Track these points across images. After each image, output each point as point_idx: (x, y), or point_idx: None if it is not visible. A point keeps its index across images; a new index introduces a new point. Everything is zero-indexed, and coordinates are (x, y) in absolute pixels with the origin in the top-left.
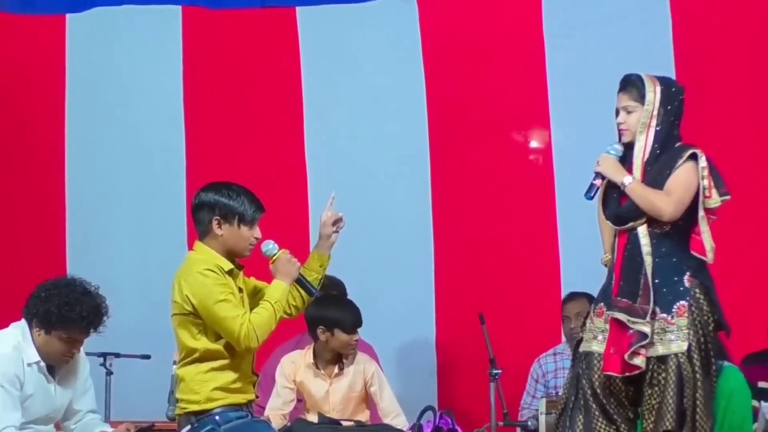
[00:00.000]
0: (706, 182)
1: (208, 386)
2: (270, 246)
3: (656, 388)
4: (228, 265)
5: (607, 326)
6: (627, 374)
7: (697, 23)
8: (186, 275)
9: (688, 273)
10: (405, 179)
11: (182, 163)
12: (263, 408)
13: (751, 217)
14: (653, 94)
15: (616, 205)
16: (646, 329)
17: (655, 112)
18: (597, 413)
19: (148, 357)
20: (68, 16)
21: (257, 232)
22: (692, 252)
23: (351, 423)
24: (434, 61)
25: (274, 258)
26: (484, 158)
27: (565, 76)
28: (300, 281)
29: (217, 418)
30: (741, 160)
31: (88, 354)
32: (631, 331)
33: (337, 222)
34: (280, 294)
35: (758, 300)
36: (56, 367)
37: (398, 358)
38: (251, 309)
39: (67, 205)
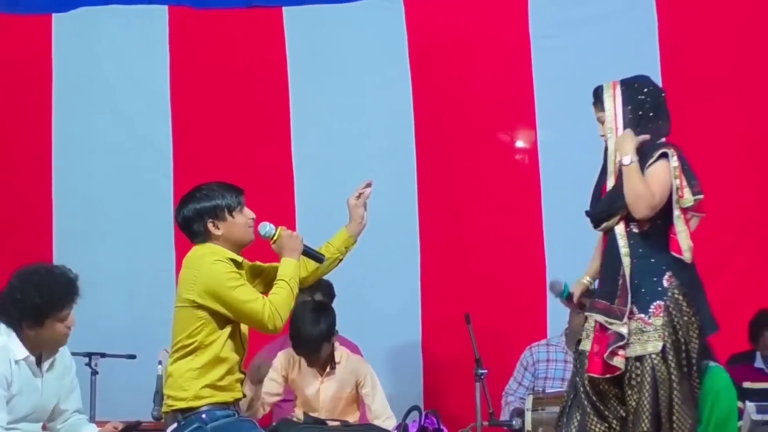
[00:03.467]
0: (677, 182)
1: (197, 384)
2: (267, 228)
3: (635, 389)
4: (238, 258)
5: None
6: (608, 375)
7: (683, 24)
8: (198, 266)
9: (667, 273)
10: (391, 179)
11: (169, 163)
12: None
13: (736, 218)
14: (611, 99)
15: (593, 204)
16: (623, 330)
17: (619, 115)
18: (590, 411)
19: (133, 357)
20: (54, 15)
21: (249, 212)
22: (671, 252)
23: (337, 423)
24: (420, 60)
25: (274, 238)
26: (470, 158)
27: (551, 76)
28: (306, 252)
29: (203, 416)
30: (726, 160)
31: (73, 354)
32: (609, 331)
33: (364, 190)
34: (292, 270)
35: (742, 301)
36: (43, 358)
37: (384, 358)
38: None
39: (53, 205)
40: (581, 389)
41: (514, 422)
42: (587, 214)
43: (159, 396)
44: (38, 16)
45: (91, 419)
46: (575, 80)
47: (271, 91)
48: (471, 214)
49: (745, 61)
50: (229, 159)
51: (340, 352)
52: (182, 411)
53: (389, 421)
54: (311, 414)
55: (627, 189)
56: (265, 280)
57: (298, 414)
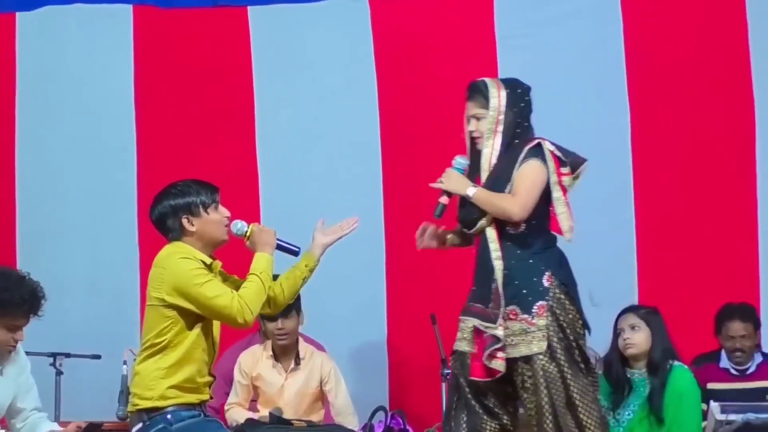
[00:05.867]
0: (553, 165)
1: (164, 384)
2: (239, 225)
3: (530, 391)
4: (207, 260)
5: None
6: (490, 379)
7: (647, 24)
8: (165, 264)
9: (547, 273)
10: (356, 179)
11: (133, 163)
12: (215, 409)
13: (700, 219)
14: (497, 99)
15: (461, 211)
16: (499, 333)
17: (501, 117)
18: (479, 410)
19: (98, 357)
20: (18, 14)
21: (224, 210)
22: (551, 231)
23: (302, 423)
24: (386, 60)
25: (247, 235)
26: (435, 158)
27: (517, 76)
28: (279, 246)
29: (168, 416)
30: (691, 160)
31: (37, 354)
32: (486, 335)
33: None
34: (264, 264)
35: (707, 301)
36: None
37: (350, 358)
38: None
39: (17, 205)
40: (467, 389)
41: None
42: (458, 220)
43: (124, 396)
44: (2, 15)
45: (56, 419)
46: (541, 80)
47: (236, 91)
48: None
49: (710, 60)
50: (193, 158)
51: (305, 348)
52: (147, 411)
53: (351, 419)
54: (273, 412)
55: (491, 211)
56: None
57: (263, 413)
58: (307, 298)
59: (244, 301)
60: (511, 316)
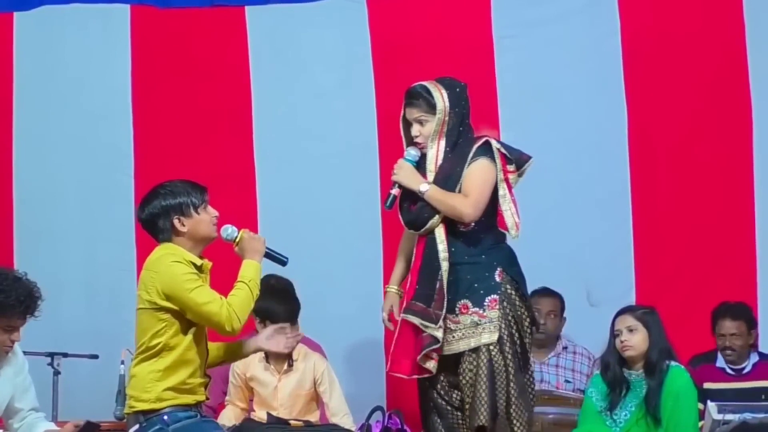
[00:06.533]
0: (500, 163)
1: (160, 386)
2: (229, 230)
3: (468, 384)
4: (198, 261)
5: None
6: (416, 377)
7: (644, 22)
8: (156, 267)
9: (498, 269)
10: (354, 178)
11: (130, 163)
12: (212, 409)
13: (698, 219)
14: (442, 101)
15: (408, 211)
16: (438, 334)
17: (446, 119)
18: (449, 409)
19: (96, 357)
20: (16, 14)
21: (213, 210)
22: (499, 228)
23: (300, 423)
24: (383, 60)
25: (236, 240)
26: None
27: (514, 75)
28: (268, 254)
29: (165, 417)
30: (688, 159)
31: (35, 354)
32: (424, 334)
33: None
34: (253, 272)
35: (705, 301)
36: None
37: (347, 358)
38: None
39: (14, 204)
40: (433, 392)
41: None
42: (403, 219)
43: (121, 396)
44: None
45: (53, 419)
46: (539, 79)
47: (234, 91)
48: None
49: (708, 58)
50: (190, 158)
51: (298, 349)
52: (144, 413)
53: (346, 419)
54: (270, 413)
55: (442, 209)
56: None
57: (260, 414)
58: (303, 297)
59: (233, 308)
60: (463, 310)
